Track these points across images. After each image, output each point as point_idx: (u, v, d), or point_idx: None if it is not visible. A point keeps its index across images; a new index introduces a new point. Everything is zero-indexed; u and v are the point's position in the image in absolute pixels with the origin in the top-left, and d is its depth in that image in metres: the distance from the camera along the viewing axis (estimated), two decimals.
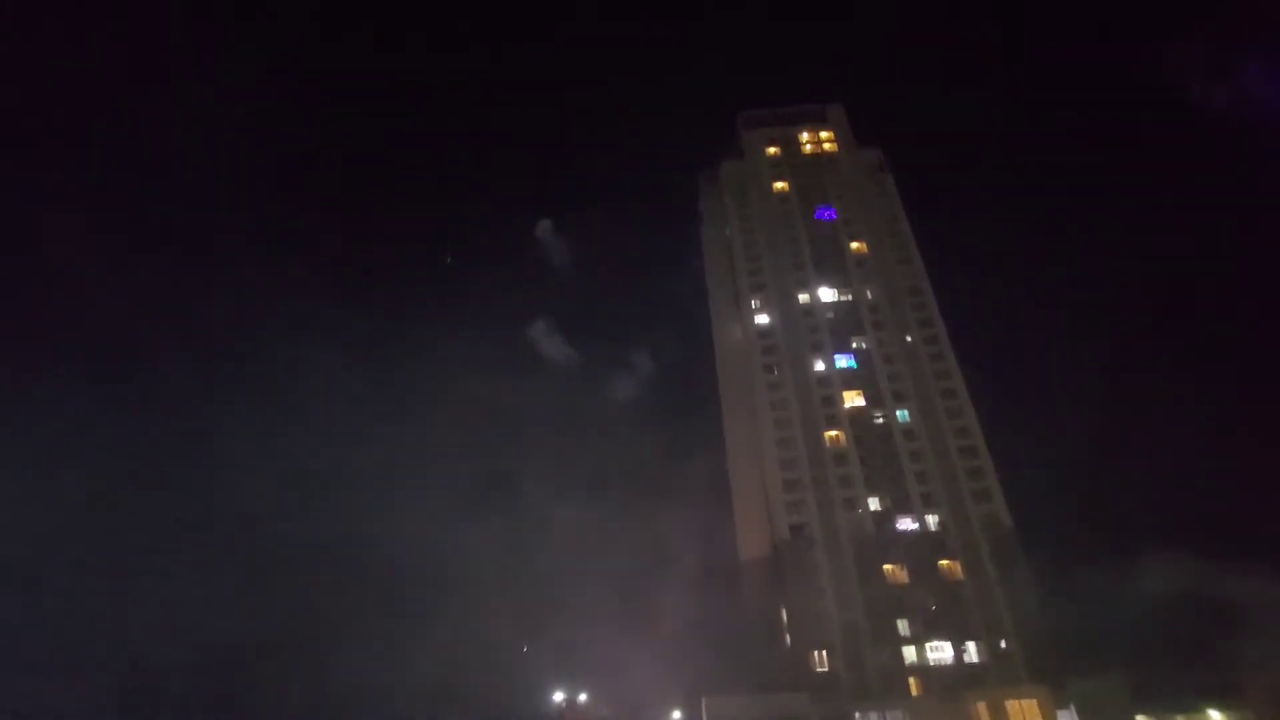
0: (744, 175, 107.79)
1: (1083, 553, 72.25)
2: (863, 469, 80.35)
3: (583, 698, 73.01)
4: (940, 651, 69.58)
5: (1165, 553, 68.09)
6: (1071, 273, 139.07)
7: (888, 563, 74.48)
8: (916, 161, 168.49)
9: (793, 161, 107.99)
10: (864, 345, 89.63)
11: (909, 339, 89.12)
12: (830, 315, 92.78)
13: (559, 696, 72.45)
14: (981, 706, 59.78)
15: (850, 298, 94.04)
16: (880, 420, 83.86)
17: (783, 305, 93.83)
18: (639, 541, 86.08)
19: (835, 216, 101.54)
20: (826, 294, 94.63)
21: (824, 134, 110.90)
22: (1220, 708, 60.60)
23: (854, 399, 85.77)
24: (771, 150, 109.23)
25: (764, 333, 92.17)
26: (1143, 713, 60.58)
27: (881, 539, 75.95)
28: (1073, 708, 59.81)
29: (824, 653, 70.14)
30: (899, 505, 78.07)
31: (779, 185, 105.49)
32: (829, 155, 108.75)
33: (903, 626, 70.98)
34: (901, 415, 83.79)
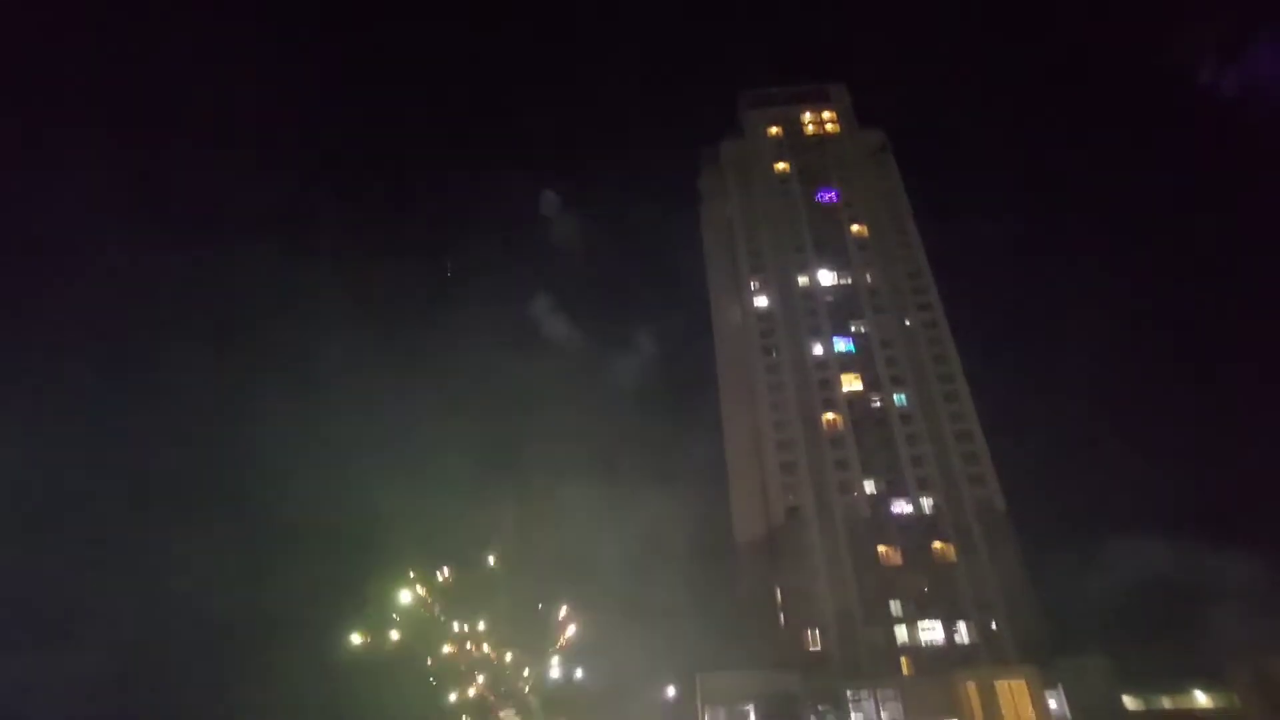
0: (745, 155, 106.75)
1: (1074, 537, 73.27)
2: (859, 452, 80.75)
3: (579, 674, 73.94)
4: (931, 632, 70.57)
5: (1154, 538, 69.05)
6: (1072, 260, 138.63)
7: (882, 544, 75.24)
8: (920, 143, 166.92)
9: (794, 142, 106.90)
10: (862, 329, 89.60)
11: (908, 323, 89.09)
12: (829, 298, 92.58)
13: (555, 672, 73.37)
14: (971, 686, 60.69)
15: (850, 281, 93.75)
16: (877, 404, 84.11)
17: (782, 287, 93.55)
18: (636, 521, 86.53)
19: (837, 198, 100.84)
20: (826, 277, 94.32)
21: (826, 114, 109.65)
22: (1205, 688, 61.77)
23: (851, 383, 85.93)
24: (773, 130, 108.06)
25: (763, 315, 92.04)
26: (1128, 693, 61.70)
27: (876, 521, 76.61)
28: (1060, 688, 60.78)
29: (817, 632, 71.15)
30: (894, 488, 78.64)
31: (780, 166, 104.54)
32: (831, 136, 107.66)
33: (895, 607, 71.92)
34: (898, 399, 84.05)
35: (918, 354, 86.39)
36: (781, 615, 74.14)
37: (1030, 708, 59.16)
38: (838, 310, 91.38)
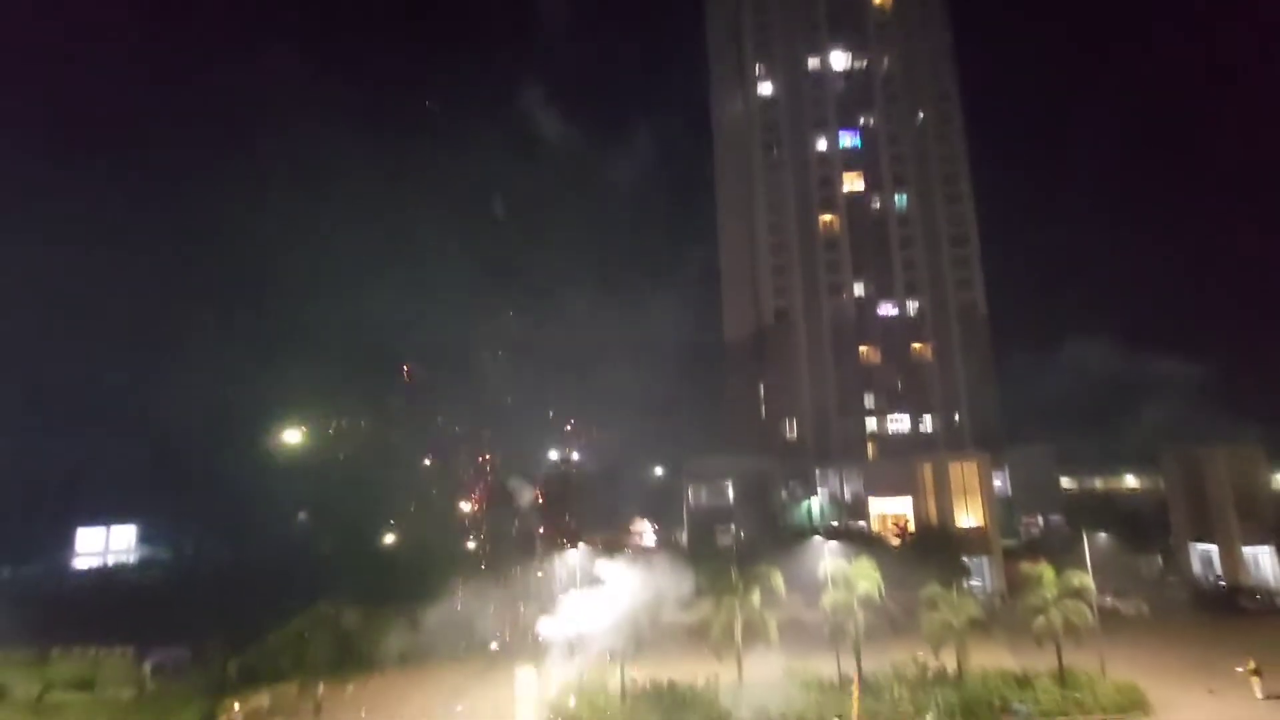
0: None
1: (1043, 341, 76.55)
2: (852, 255, 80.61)
3: (575, 455, 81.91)
4: (899, 423, 76.89)
5: (1111, 344, 72.41)
6: (1103, 76, 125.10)
7: (864, 344, 78.61)
8: None
9: None
10: (871, 122, 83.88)
11: (920, 116, 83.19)
12: (840, 86, 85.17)
13: (554, 455, 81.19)
14: (926, 467, 67.25)
15: (865, 64, 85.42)
16: (876, 205, 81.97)
17: (789, 72, 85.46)
18: (631, 318, 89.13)
19: None
20: (839, 59, 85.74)
21: None
22: (1134, 473, 69.28)
23: (853, 181, 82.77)
24: None
25: (766, 104, 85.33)
26: (1066, 474, 69.25)
27: (861, 323, 79.13)
28: (1006, 470, 67.88)
29: (795, 422, 77.35)
30: (882, 290, 79.98)
31: None
32: None
33: (869, 401, 77.43)
34: (899, 200, 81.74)
35: (925, 152, 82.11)
36: (763, 408, 79.94)
37: (977, 485, 66.38)
38: (847, 100, 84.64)
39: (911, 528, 59.36)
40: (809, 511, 70.11)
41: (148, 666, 33.70)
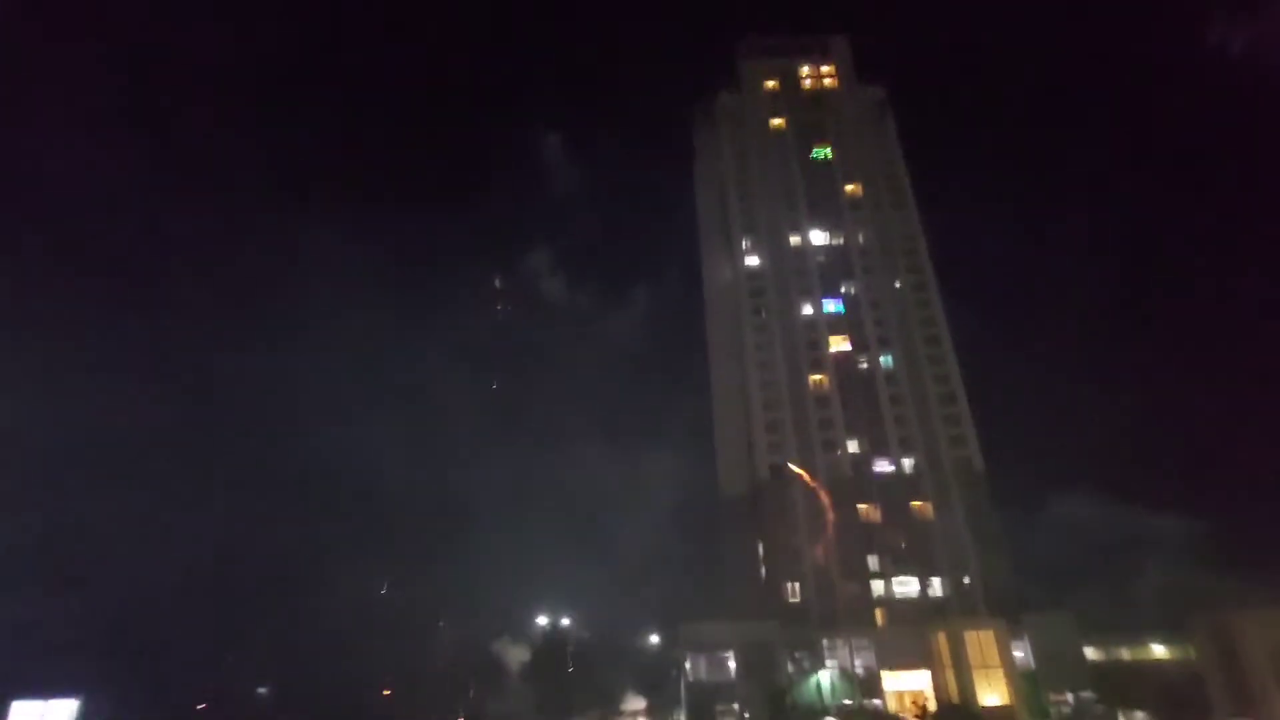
0: (741, 110, 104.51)
1: (1046, 499, 75.55)
2: (843, 412, 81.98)
3: (565, 622, 76.70)
4: (906, 586, 73.17)
5: (1121, 502, 71.44)
6: (1066, 229, 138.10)
7: (862, 502, 77.18)
8: (920, 99, 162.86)
9: (791, 97, 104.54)
10: (852, 290, 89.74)
11: (898, 285, 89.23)
12: (821, 258, 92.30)
13: (543, 620, 76.07)
14: (941, 636, 63.27)
15: (842, 241, 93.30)
16: (864, 365, 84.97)
17: (774, 246, 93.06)
18: (625, 476, 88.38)
19: (832, 156, 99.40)
20: (818, 236, 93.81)
21: (825, 68, 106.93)
22: (1162, 641, 64.84)
23: (839, 343, 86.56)
24: (770, 84, 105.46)
25: (753, 274, 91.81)
26: (1090, 644, 64.69)
27: (857, 479, 78.40)
28: (1026, 639, 63.56)
29: (797, 585, 73.58)
30: (876, 447, 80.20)
31: (776, 122, 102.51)
32: (829, 91, 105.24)
33: (873, 562, 74.31)
34: (885, 361, 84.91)
35: (906, 316, 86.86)
36: (763, 569, 76.51)
37: (997, 657, 61.82)
38: (828, 270, 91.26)
39: (932, 706, 54.32)
40: (819, 688, 64.34)
41: None
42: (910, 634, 65.40)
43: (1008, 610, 65.48)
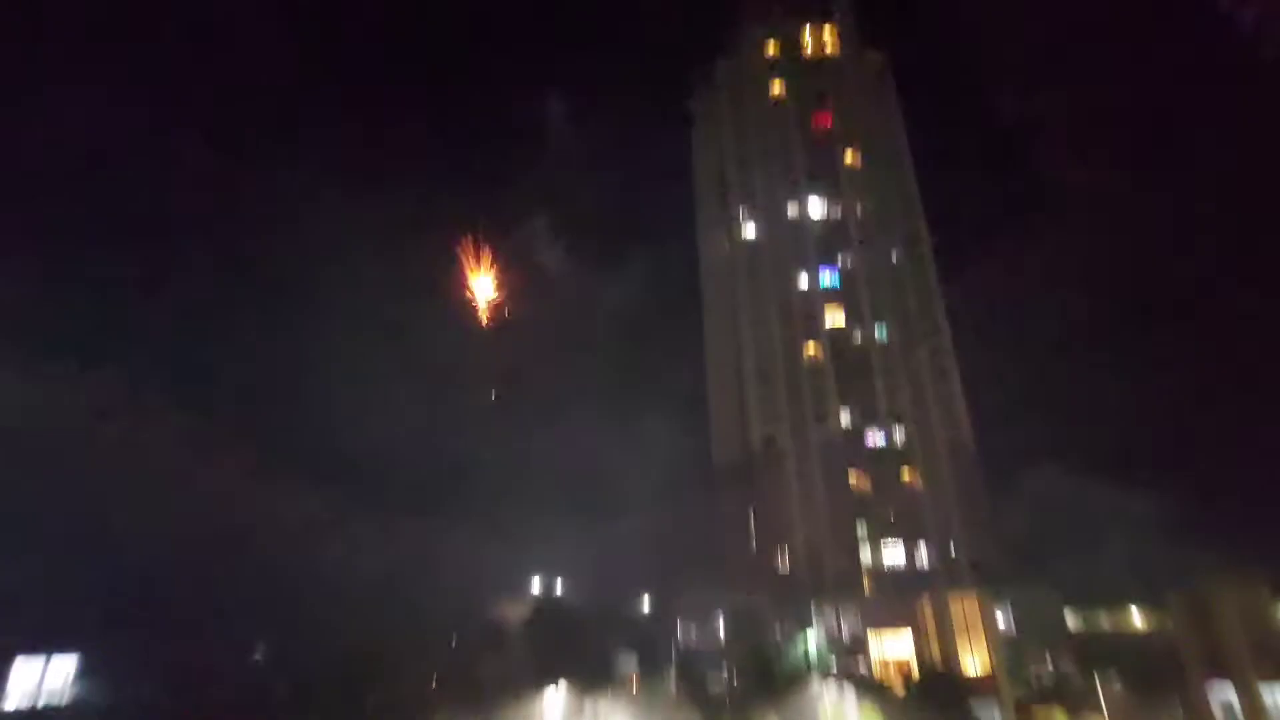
0: (740, 76, 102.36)
1: (1032, 473, 76.75)
2: (837, 384, 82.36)
3: (558, 587, 77.94)
4: (894, 554, 74.58)
5: (1109, 477, 72.74)
6: (1069, 203, 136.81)
7: (852, 473, 78.11)
8: (923, 65, 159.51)
9: (791, 63, 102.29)
10: (848, 262, 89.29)
11: (895, 258, 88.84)
12: (818, 229, 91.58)
13: (536, 586, 77.28)
14: (926, 603, 64.74)
15: (840, 211, 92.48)
16: (858, 338, 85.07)
17: (770, 217, 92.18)
18: (618, 445, 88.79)
19: (831, 124, 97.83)
20: (816, 207, 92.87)
21: (827, 32, 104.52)
22: (1141, 611, 66.63)
23: (834, 315, 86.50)
24: (770, 49, 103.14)
25: (750, 246, 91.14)
26: (1071, 612, 66.43)
27: (848, 451, 79.19)
28: (1009, 606, 65.14)
29: (786, 553, 74.86)
30: (868, 419, 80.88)
31: (776, 88, 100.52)
32: (831, 57, 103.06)
33: (861, 531, 75.60)
34: (879, 333, 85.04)
35: (902, 289, 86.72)
36: (754, 537, 77.68)
37: (980, 623, 63.38)
38: (825, 242, 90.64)
39: (915, 673, 55.78)
40: (806, 652, 65.93)
41: None
42: (896, 601, 66.82)
43: (991, 579, 66.94)
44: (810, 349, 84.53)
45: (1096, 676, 48.74)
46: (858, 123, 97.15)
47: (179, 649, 62.78)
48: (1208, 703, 49.40)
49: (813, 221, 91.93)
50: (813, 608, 67.82)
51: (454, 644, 58.00)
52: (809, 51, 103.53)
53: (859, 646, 64.82)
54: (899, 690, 53.61)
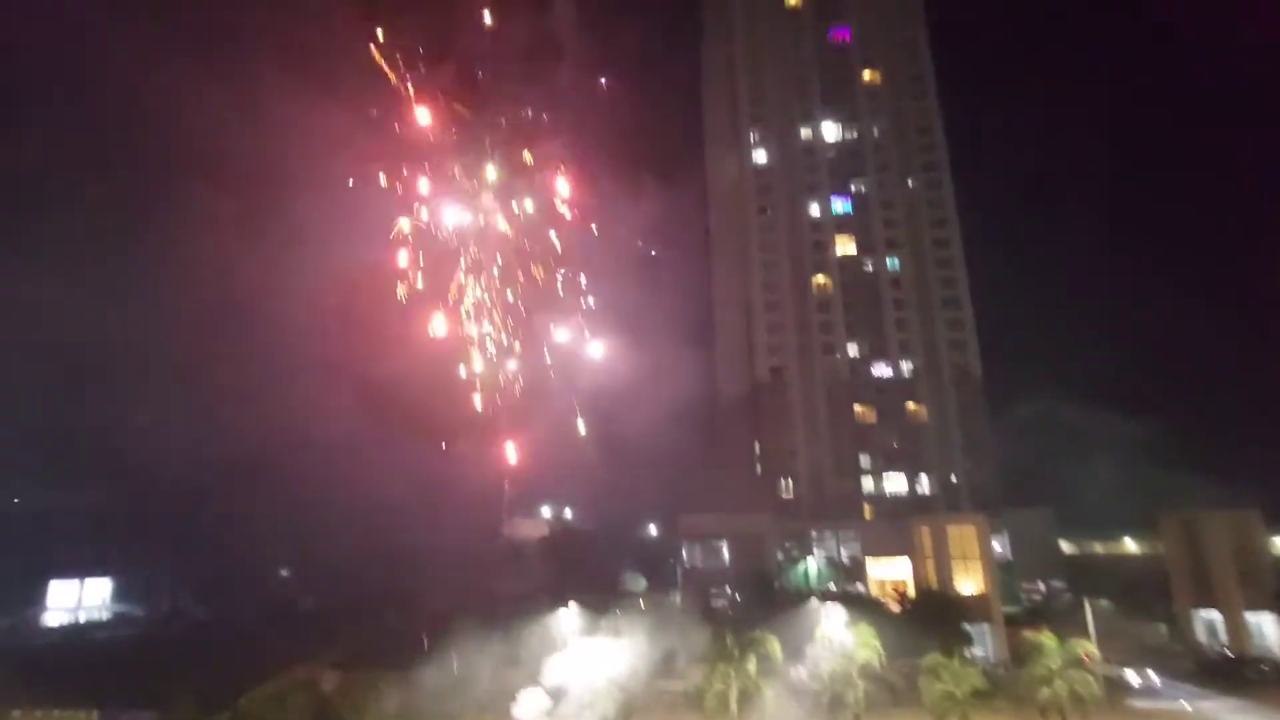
0: None
1: (1036, 401, 77.09)
2: (845, 315, 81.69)
3: (568, 513, 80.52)
4: (896, 483, 76.20)
5: (1108, 407, 73.05)
6: (1092, 135, 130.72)
7: (858, 404, 78.69)
8: None
9: None
10: (863, 188, 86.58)
11: (910, 183, 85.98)
12: (831, 154, 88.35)
13: (546, 513, 79.78)
14: (924, 529, 66.30)
15: (855, 134, 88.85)
16: (869, 268, 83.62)
17: (783, 141, 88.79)
18: (625, 374, 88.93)
19: (850, 38, 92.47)
20: (831, 129, 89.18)
21: None
22: (1134, 537, 68.52)
23: (845, 245, 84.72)
24: None
25: (760, 171, 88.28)
26: (1066, 539, 68.34)
27: (855, 382, 79.50)
28: (1005, 533, 66.97)
29: (790, 481, 76.63)
30: (876, 351, 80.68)
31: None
32: None
33: (865, 460, 76.96)
34: (891, 263, 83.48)
35: (916, 217, 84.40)
36: (759, 465, 79.32)
37: (977, 549, 65.29)
38: (839, 167, 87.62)
39: (911, 592, 58.00)
40: (806, 574, 68.62)
41: None
42: (895, 527, 68.67)
43: (990, 507, 68.46)
44: (819, 279, 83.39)
45: (1085, 598, 50.58)
46: (878, 38, 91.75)
47: (209, 565, 65.99)
48: (1191, 623, 51.46)
49: (826, 145, 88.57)
50: (814, 535, 70.06)
51: (471, 563, 60.50)
52: None
53: (858, 569, 67.25)
54: (895, 608, 55.90)
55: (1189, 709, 37.85)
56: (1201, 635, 50.75)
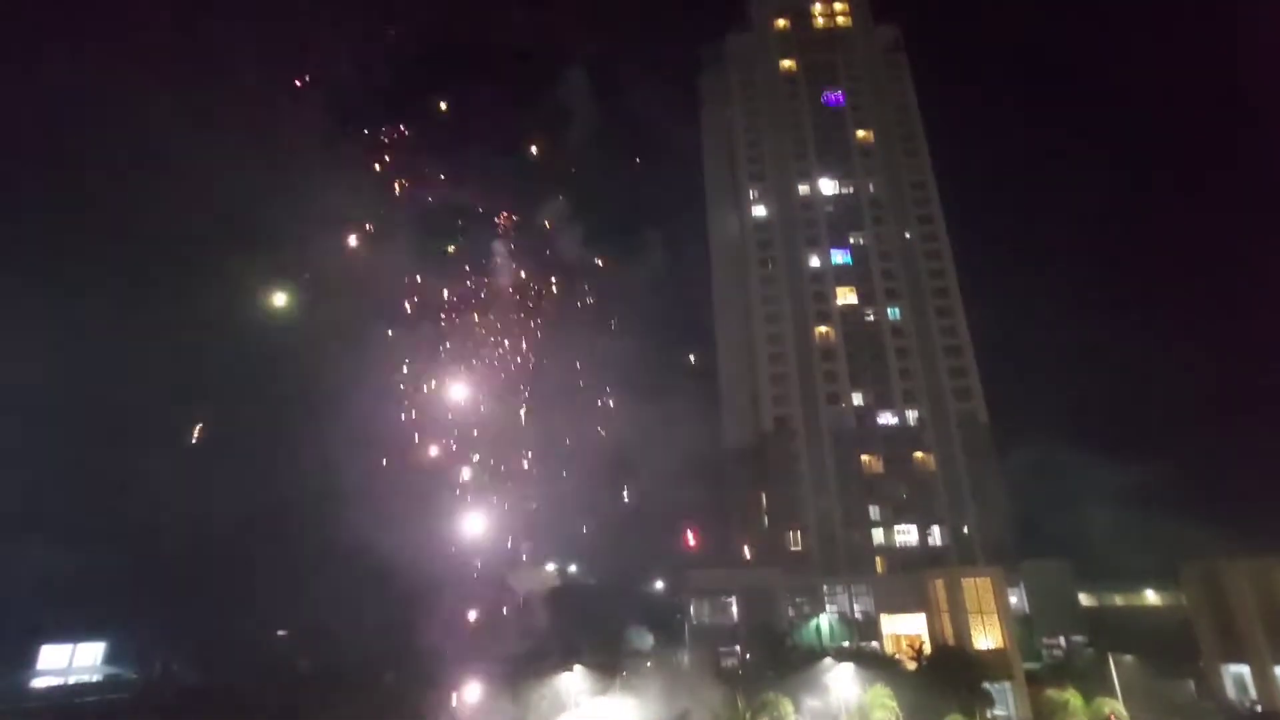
0: (750, 51, 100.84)
1: (1046, 451, 76.42)
2: (849, 365, 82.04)
3: (572, 569, 78.91)
4: (907, 535, 74.80)
5: (1120, 454, 72.30)
6: (1081, 181, 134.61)
7: (865, 454, 78.06)
8: (936, 40, 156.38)
9: (803, 37, 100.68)
10: (861, 241, 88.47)
11: (908, 235, 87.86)
12: (829, 208, 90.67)
13: (551, 567, 78.24)
14: (939, 583, 64.78)
15: (852, 190, 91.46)
16: (870, 318, 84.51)
17: (781, 197, 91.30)
18: (630, 428, 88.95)
19: (843, 102, 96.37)
20: (827, 185, 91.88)
21: (839, 5, 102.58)
22: (1156, 588, 66.62)
23: (846, 296, 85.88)
24: (781, 23, 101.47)
25: (760, 225, 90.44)
26: (1085, 591, 66.43)
27: (861, 432, 79.09)
28: (1022, 586, 65.24)
29: (799, 534, 75.25)
30: (881, 400, 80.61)
31: (786, 64, 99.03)
32: (842, 31, 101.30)
33: (874, 512, 75.76)
34: (892, 313, 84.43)
35: (915, 268, 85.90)
36: (766, 518, 78.07)
37: (993, 603, 63.53)
38: (837, 221, 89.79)
39: (927, 649, 56.13)
40: (818, 630, 66.50)
41: None
42: (909, 581, 67.04)
43: (1005, 559, 66.98)
44: (822, 329, 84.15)
45: (1110, 652, 48.90)
46: (870, 98, 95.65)
47: (205, 628, 64.43)
48: (1220, 678, 49.52)
49: (824, 199, 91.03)
50: (825, 589, 68.29)
51: (475, 619, 59.09)
52: (821, 24, 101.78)
53: (871, 625, 65.24)
54: (910, 666, 54.01)
55: None
56: (1231, 691, 48.77)
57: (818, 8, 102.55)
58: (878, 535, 74.87)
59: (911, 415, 79.61)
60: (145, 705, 50.66)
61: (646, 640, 63.63)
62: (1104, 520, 70.19)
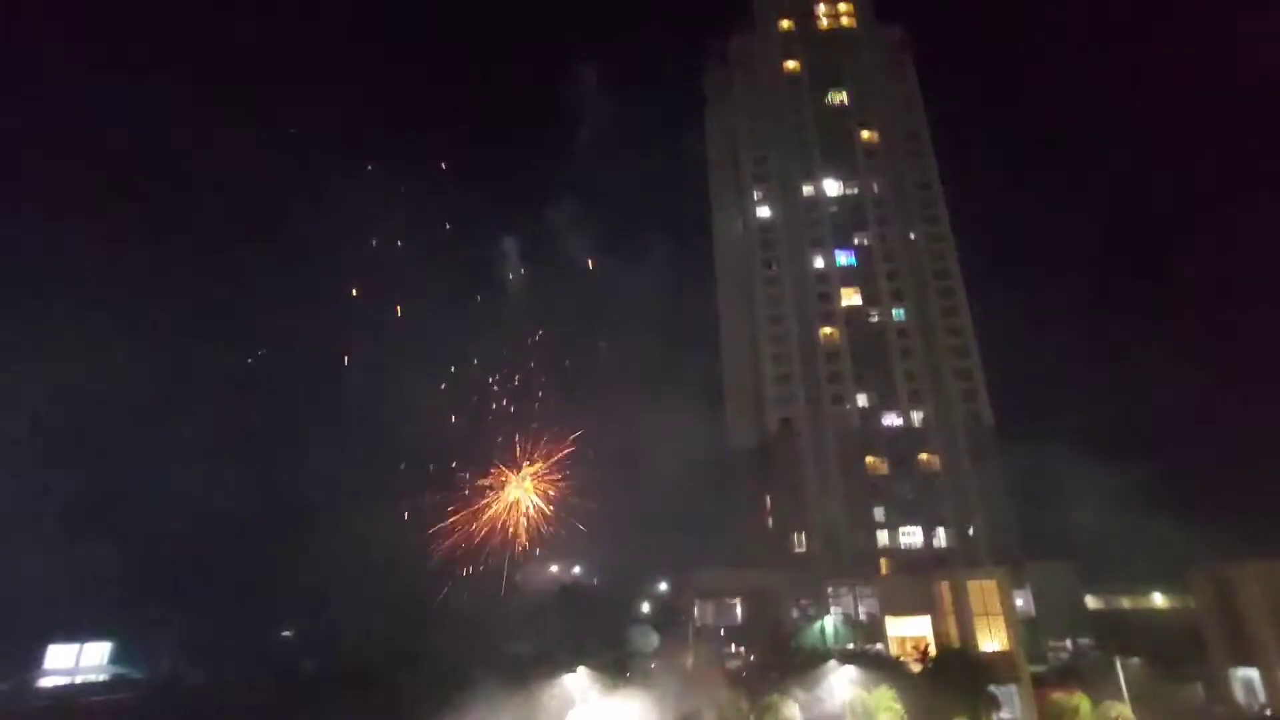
0: (754, 53, 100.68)
1: (1053, 451, 76.01)
2: (853, 366, 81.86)
3: (576, 570, 78.92)
4: (911, 536, 74.57)
5: (1127, 454, 71.90)
6: (1086, 181, 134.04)
7: (870, 455, 77.87)
8: (940, 39, 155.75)
9: (807, 38, 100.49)
10: (865, 241, 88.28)
11: (912, 236, 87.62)
12: (834, 209, 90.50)
13: (554, 568, 78.25)
14: (944, 585, 64.44)
15: (856, 190, 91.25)
16: (875, 318, 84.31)
17: (785, 197, 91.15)
18: (634, 429, 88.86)
19: (848, 101, 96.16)
20: (832, 186, 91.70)
21: (843, 6, 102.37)
22: (1163, 591, 66.23)
23: (851, 297, 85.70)
24: (785, 24, 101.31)
25: (764, 226, 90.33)
26: (1091, 594, 66.10)
27: (865, 433, 78.90)
28: (1028, 588, 64.96)
29: (803, 535, 75.10)
30: (886, 401, 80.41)
31: (790, 65, 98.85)
32: (846, 31, 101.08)
33: (879, 513, 75.56)
34: (897, 314, 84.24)
35: (920, 268, 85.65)
36: (770, 519, 77.94)
37: (999, 605, 63.23)
38: (841, 221, 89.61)
39: (932, 651, 55.90)
40: (823, 632, 66.33)
41: None
42: (913, 582, 66.76)
43: (1010, 560, 66.70)
44: (826, 330, 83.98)
45: (1116, 655, 48.62)
46: (874, 99, 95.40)
47: (211, 628, 64.71)
48: (1229, 681, 49.20)
49: (828, 201, 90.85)
50: (830, 591, 68.13)
51: (483, 620, 59.18)
52: (825, 25, 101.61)
53: (876, 627, 65.06)
54: (915, 668, 53.82)
55: None
56: (1240, 695, 48.45)
57: (822, 8, 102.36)
58: (882, 537, 74.68)
59: (916, 416, 79.38)
60: (151, 705, 50.83)
61: (651, 641, 63.55)
62: (1110, 522, 69.78)
